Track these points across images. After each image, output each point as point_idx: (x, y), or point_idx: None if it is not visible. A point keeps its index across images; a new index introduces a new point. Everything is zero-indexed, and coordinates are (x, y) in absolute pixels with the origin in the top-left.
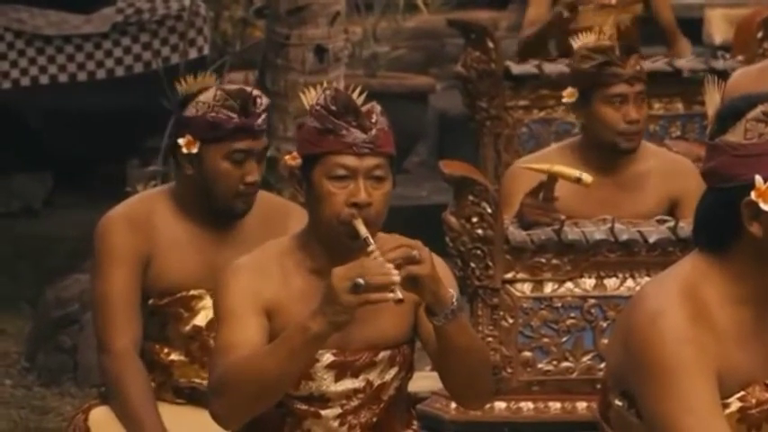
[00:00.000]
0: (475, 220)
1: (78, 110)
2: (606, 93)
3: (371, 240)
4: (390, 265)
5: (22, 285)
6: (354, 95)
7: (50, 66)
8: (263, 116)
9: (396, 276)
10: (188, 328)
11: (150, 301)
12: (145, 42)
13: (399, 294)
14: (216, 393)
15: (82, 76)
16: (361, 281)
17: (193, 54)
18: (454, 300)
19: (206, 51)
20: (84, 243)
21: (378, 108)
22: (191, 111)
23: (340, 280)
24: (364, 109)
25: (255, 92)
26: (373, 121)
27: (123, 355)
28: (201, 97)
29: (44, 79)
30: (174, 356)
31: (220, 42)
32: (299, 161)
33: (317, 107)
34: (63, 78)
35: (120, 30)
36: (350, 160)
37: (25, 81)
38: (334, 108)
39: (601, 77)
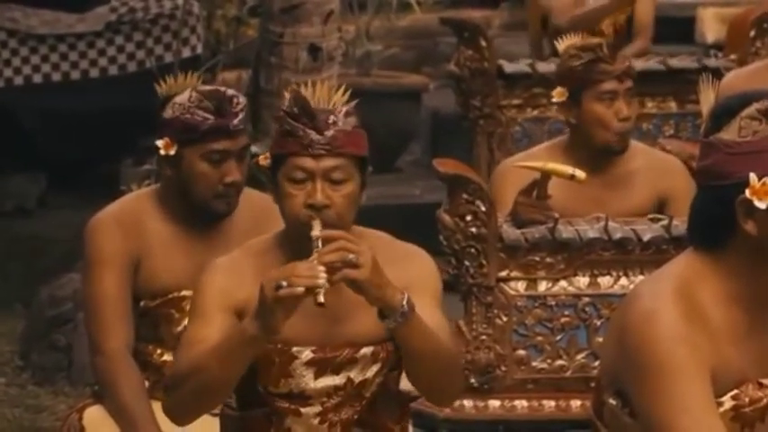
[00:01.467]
0: (469, 218)
1: (72, 109)
2: (596, 90)
3: (319, 243)
4: (321, 268)
5: (16, 285)
6: (338, 96)
7: (44, 65)
8: (240, 116)
9: (321, 280)
10: (180, 328)
11: (141, 303)
12: (138, 41)
13: (321, 298)
14: (167, 388)
15: (75, 75)
16: (283, 283)
17: (187, 53)
18: (404, 303)
19: (199, 50)
20: (77, 243)
21: (344, 109)
22: (167, 112)
23: (268, 282)
24: (324, 110)
25: (231, 92)
26: (330, 121)
27: (116, 357)
28: (177, 99)
29: (37, 78)
30: (166, 357)
31: (214, 41)
32: (268, 162)
33: (280, 110)
34: (56, 77)
35: (114, 29)
36: (307, 162)
37: (18, 80)
38: (293, 110)
39: (590, 75)
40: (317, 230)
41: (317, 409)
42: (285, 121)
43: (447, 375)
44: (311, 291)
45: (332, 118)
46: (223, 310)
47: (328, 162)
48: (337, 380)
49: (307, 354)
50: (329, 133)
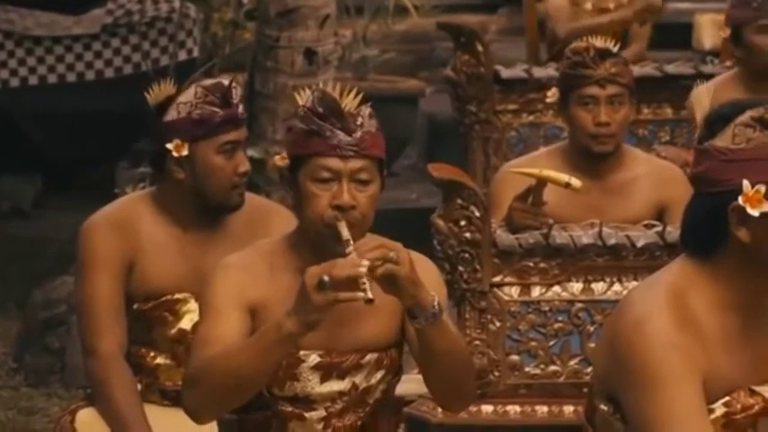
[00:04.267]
0: (463, 223)
1: (67, 111)
2: (579, 94)
3: (351, 242)
4: (362, 261)
5: (11, 286)
6: (350, 98)
7: (40, 67)
8: (242, 105)
9: (363, 269)
10: (173, 331)
11: (135, 305)
12: (134, 44)
13: (369, 294)
14: (188, 386)
15: (71, 78)
16: (326, 277)
17: (183, 56)
18: (435, 303)
19: (195, 53)
20: (72, 245)
21: (367, 111)
22: (172, 114)
23: (310, 278)
24: (351, 111)
25: (226, 81)
26: (358, 123)
27: (109, 359)
28: (181, 98)
29: (33, 80)
30: (159, 360)
31: (210, 44)
32: (287, 162)
33: (304, 108)
34: (52, 79)
35: (110, 31)
36: (334, 162)
37: (15, 82)
38: (319, 110)
39: (574, 78)
40: (346, 231)
41: (322, 414)
42: (310, 120)
43: (466, 378)
44: (354, 284)
45: (359, 119)
46: (237, 307)
47: (355, 163)
48: (342, 385)
49: (313, 358)
50: (357, 135)
